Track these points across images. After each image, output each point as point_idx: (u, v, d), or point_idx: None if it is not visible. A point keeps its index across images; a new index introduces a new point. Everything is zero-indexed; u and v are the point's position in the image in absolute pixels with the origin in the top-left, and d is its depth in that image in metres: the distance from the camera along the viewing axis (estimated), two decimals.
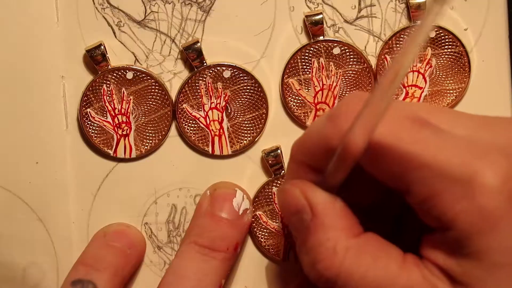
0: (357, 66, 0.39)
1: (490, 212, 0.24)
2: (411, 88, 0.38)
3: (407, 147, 0.25)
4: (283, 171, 0.39)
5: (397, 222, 0.31)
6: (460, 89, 0.39)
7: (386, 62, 0.38)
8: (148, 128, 0.39)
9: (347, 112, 0.26)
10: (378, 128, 0.25)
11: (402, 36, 0.38)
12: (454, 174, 0.24)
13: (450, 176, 0.25)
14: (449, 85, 0.38)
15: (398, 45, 0.38)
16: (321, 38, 0.38)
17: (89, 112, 0.39)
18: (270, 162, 0.39)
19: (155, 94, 0.39)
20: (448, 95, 0.39)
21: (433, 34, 0.38)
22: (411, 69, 0.38)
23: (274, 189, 0.39)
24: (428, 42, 0.38)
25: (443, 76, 0.38)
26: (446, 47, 0.38)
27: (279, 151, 0.39)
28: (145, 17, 0.39)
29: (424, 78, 0.38)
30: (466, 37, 0.38)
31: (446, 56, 0.38)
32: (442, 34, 0.38)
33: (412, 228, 0.29)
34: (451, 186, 0.25)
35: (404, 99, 0.39)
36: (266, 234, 0.39)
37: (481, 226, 0.24)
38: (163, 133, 0.39)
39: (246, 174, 0.40)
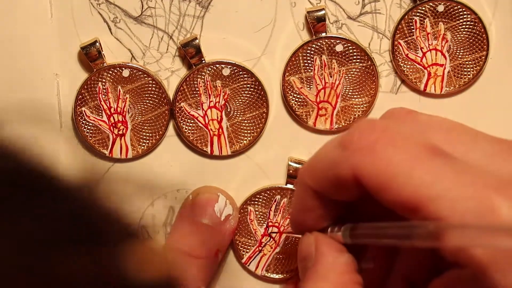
0: (360, 64, 0.38)
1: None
2: (432, 68, 0.38)
3: (422, 178, 0.24)
4: (291, 186, 0.39)
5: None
6: (481, 58, 0.38)
7: (400, 47, 0.38)
8: (145, 127, 0.39)
9: (360, 141, 0.26)
10: (389, 154, 0.25)
11: (411, 18, 0.38)
12: (469, 209, 0.23)
13: (465, 211, 0.24)
14: (469, 55, 0.38)
15: (409, 28, 0.38)
16: (324, 34, 0.38)
17: (84, 111, 0.38)
18: (290, 171, 0.39)
19: (152, 92, 0.38)
20: (469, 67, 0.38)
21: (441, 8, 0.38)
22: (428, 49, 0.38)
23: (277, 197, 0.39)
24: (437, 17, 0.38)
25: (461, 48, 0.38)
26: (458, 17, 0.38)
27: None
28: (142, 13, 0.38)
29: (443, 54, 0.38)
30: (478, 4, 0.38)
31: (460, 27, 0.38)
32: (450, 6, 0.38)
33: (403, 268, 0.29)
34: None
35: (427, 80, 0.38)
36: (244, 230, 0.39)
37: (499, 263, 0.23)
38: (161, 132, 0.39)
39: (246, 175, 0.39)
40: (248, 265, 0.40)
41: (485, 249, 0.23)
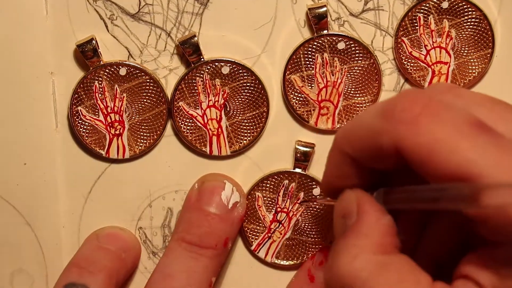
0: (363, 62, 0.38)
1: None
2: (437, 66, 0.38)
3: (465, 154, 0.24)
4: (299, 170, 0.39)
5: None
6: (486, 56, 0.38)
7: (404, 45, 0.38)
8: (143, 127, 0.39)
9: (403, 112, 0.26)
10: (432, 128, 0.25)
11: (415, 14, 0.38)
12: None
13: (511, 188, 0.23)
14: (474, 53, 0.38)
15: (412, 25, 0.38)
16: (325, 32, 0.38)
17: (80, 110, 0.38)
18: (298, 155, 0.38)
19: (150, 91, 0.38)
20: (474, 65, 0.38)
21: (446, 5, 0.37)
22: (432, 46, 0.38)
23: (285, 182, 0.39)
24: (441, 14, 0.38)
25: (466, 46, 0.38)
26: (463, 14, 0.38)
27: (311, 149, 0.38)
28: (139, 10, 0.38)
29: (447, 52, 0.38)
30: (484, 1, 0.38)
31: (465, 24, 0.38)
32: (455, 3, 0.37)
33: (433, 242, 0.29)
34: None
35: (431, 78, 0.38)
36: (252, 217, 0.39)
37: None
38: (158, 132, 0.39)
39: (246, 176, 0.39)
40: (258, 252, 0.39)
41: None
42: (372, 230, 0.27)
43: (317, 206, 0.39)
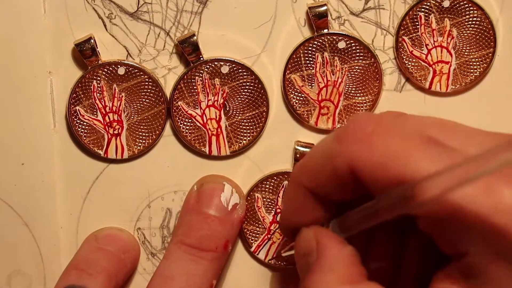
0: (363, 61, 0.38)
1: (510, 234, 0.23)
2: (438, 65, 0.38)
3: (418, 164, 0.24)
4: None
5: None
6: (488, 55, 0.38)
7: (405, 44, 0.38)
8: (141, 127, 0.38)
9: (355, 133, 0.26)
10: (386, 144, 0.25)
11: (416, 13, 0.38)
12: (469, 195, 0.24)
13: (465, 197, 0.24)
14: (476, 53, 0.38)
15: (413, 24, 0.38)
16: (326, 31, 0.38)
17: (78, 110, 0.38)
18: (297, 156, 0.38)
19: (149, 90, 0.38)
20: (476, 65, 0.38)
21: (447, 4, 0.37)
22: (433, 45, 0.38)
23: (285, 183, 0.39)
24: (443, 13, 0.37)
25: (468, 45, 0.38)
26: (464, 13, 0.37)
27: (310, 150, 0.38)
28: (138, 8, 0.38)
29: (448, 51, 0.38)
30: (485, 0, 0.38)
31: (467, 23, 0.37)
32: (456, 2, 0.37)
33: (412, 262, 0.29)
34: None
35: (432, 78, 0.38)
36: (252, 218, 0.39)
37: (499, 249, 0.24)
38: (157, 132, 0.39)
39: (245, 176, 0.39)
40: (257, 254, 0.39)
41: (483, 238, 0.23)
42: (336, 263, 0.28)
43: None
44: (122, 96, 0.38)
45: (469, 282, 0.25)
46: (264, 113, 0.38)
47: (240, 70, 0.38)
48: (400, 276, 0.30)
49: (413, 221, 0.26)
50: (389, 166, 0.25)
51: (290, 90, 0.38)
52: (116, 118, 0.38)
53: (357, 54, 0.38)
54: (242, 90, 0.38)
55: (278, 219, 0.39)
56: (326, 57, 0.38)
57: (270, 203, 0.39)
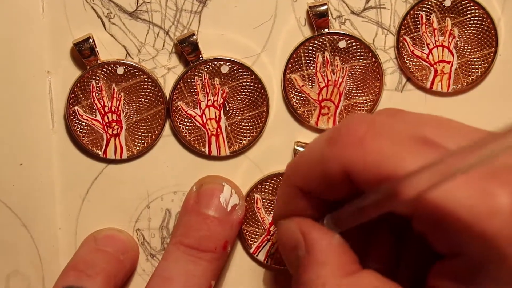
0: (364, 61, 0.38)
1: (504, 236, 0.23)
2: (439, 65, 0.38)
3: (410, 168, 0.24)
4: None
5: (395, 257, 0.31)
6: (489, 55, 0.38)
7: (406, 44, 0.38)
8: (140, 127, 0.38)
9: (348, 135, 0.26)
10: (378, 147, 0.25)
11: (417, 13, 0.37)
12: (464, 197, 0.24)
13: (460, 199, 0.24)
14: (477, 52, 0.38)
15: (414, 23, 0.37)
16: (326, 30, 0.37)
17: (77, 110, 0.38)
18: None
19: (148, 90, 0.38)
20: (477, 64, 0.38)
21: (448, 3, 0.37)
22: (434, 45, 0.37)
23: None
24: (444, 12, 0.37)
25: (469, 45, 0.38)
26: (465, 13, 0.37)
27: None
28: (137, 8, 0.38)
29: (450, 51, 0.37)
30: (488, 0, 0.38)
31: (468, 22, 0.37)
32: (458, 1, 0.37)
33: (410, 262, 0.29)
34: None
35: (433, 78, 0.38)
36: (251, 219, 0.39)
37: (493, 251, 0.24)
38: (156, 132, 0.38)
39: (245, 177, 0.39)
40: (257, 255, 0.39)
41: (477, 239, 0.23)
42: (328, 255, 0.27)
43: None
44: (121, 96, 0.38)
45: (463, 281, 0.25)
46: (264, 113, 0.38)
47: (240, 70, 0.38)
48: (397, 276, 0.30)
49: (409, 221, 0.26)
50: (381, 170, 0.25)
51: (291, 90, 0.38)
52: (115, 118, 0.38)
53: (358, 53, 0.37)
54: (242, 90, 0.38)
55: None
56: (326, 57, 0.38)
57: (269, 204, 0.39)
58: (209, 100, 0.38)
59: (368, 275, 0.27)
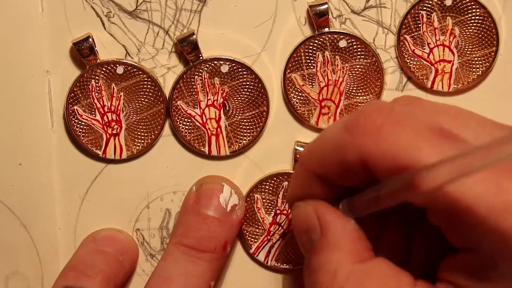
0: (365, 60, 0.38)
1: None
2: (440, 64, 0.38)
3: (427, 159, 0.24)
4: None
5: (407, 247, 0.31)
6: (490, 54, 0.37)
7: (406, 43, 0.37)
8: (140, 126, 0.38)
9: (366, 124, 0.26)
10: (396, 137, 0.25)
11: (418, 12, 0.37)
12: (478, 192, 0.24)
13: (474, 194, 0.24)
14: (478, 51, 0.37)
15: (415, 22, 0.37)
16: (326, 30, 0.37)
17: (76, 109, 0.38)
18: (297, 156, 0.38)
19: (148, 90, 0.38)
20: (478, 64, 0.38)
21: (449, 2, 0.37)
22: (435, 44, 0.37)
23: (285, 183, 0.38)
24: (445, 11, 0.37)
25: (470, 44, 0.37)
26: (466, 12, 0.37)
27: None
28: (136, 7, 0.38)
29: (450, 50, 0.37)
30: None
31: (469, 22, 0.37)
32: (459, 0, 0.37)
33: (421, 253, 0.29)
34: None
35: (434, 77, 0.38)
36: (251, 219, 0.39)
37: (507, 248, 0.24)
38: (156, 132, 0.38)
39: (245, 176, 0.39)
40: (257, 256, 0.39)
41: (492, 235, 0.23)
42: (342, 240, 0.27)
43: None
44: (121, 96, 0.38)
45: (475, 276, 0.25)
46: (264, 113, 0.38)
47: (240, 69, 0.38)
48: (408, 266, 0.30)
49: (423, 212, 0.26)
50: (399, 160, 0.25)
51: (291, 90, 0.38)
52: (114, 118, 0.38)
53: (358, 53, 0.37)
54: (242, 90, 0.38)
55: (278, 219, 0.39)
56: (327, 56, 0.37)
57: (269, 204, 0.39)
58: (209, 99, 0.38)
59: (380, 262, 0.27)
